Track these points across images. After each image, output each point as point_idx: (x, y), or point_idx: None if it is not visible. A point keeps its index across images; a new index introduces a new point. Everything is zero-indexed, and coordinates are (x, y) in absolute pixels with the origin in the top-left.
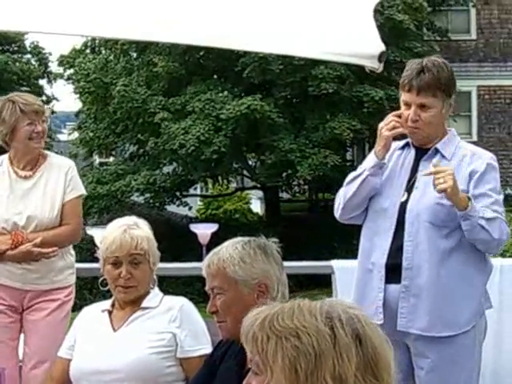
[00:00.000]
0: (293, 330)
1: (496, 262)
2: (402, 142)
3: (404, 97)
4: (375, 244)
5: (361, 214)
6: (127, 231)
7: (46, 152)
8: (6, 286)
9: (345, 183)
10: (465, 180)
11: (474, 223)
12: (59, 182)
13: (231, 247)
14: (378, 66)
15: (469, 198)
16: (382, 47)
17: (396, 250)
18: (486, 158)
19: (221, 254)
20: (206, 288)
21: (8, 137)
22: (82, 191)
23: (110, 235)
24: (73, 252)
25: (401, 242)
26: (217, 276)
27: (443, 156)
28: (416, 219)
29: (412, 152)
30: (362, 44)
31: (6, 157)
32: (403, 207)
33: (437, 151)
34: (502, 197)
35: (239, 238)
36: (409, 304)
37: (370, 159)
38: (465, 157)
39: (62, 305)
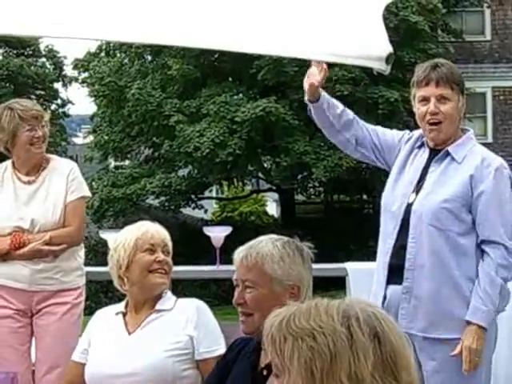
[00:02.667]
0: (309, 331)
1: None
2: (419, 142)
3: (421, 92)
4: (384, 245)
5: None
6: (154, 224)
7: (49, 155)
8: (13, 288)
9: None
10: (468, 183)
11: (493, 312)
12: (61, 184)
13: (271, 244)
14: (385, 68)
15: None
16: (389, 49)
17: (399, 250)
18: (495, 166)
19: (259, 249)
20: (235, 277)
21: (9, 144)
22: (85, 193)
23: (138, 228)
24: (82, 254)
25: (404, 242)
26: (252, 269)
27: (453, 159)
28: (419, 221)
29: (426, 152)
30: (369, 46)
31: (9, 162)
32: (409, 208)
33: (448, 153)
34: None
35: (277, 236)
36: (409, 305)
37: None
38: (474, 163)
39: (72, 308)
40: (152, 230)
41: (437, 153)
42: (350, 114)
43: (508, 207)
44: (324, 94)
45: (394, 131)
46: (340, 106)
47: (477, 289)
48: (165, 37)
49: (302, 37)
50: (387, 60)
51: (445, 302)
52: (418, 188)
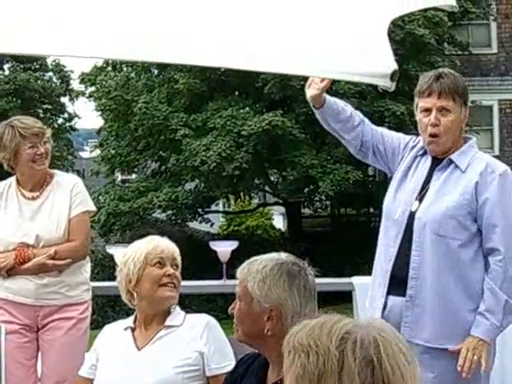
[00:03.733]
0: (305, 348)
1: None
2: (422, 151)
3: (423, 103)
4: (385, 257)
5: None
6: (163, 239)
7: (53, 171)
8: (19, 303)
9: None
10: (473, 190)
11: (501, 327)
12: (65, 200)
13: (263, 263)
14: (390, 85)
15: (478, 338)
16: (394, 66)
17: (402, 258)
18: (499, 172)
19: (251, 266)
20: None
21: (12, 161)
22: (89, 207)
23: (148, 243)
24: (88, 268)
25: (407, 250)
26: (240, 284)
27: (457, 166)
28: (423, 230)
29: (429, 160)
30: (374, 63)
31: (13, 179)
32: (413, 216)
33: (451, 162)
34: None
35: (277, 257)
36: (412, 314)
37: None
38: (479, 168)
39: (78, 323)
40: (161, 245)
41: (439, 161)
42: (357, 118)
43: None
44: (329, 99)
45: (401, 135)
46: (347, 111)
47: (481, 303)
48: (168, 54)
49: (307, 55)
50: (392, 77)
51: (448, 312)
52: (421, 196)
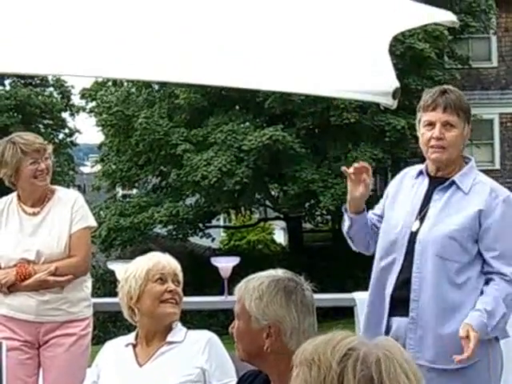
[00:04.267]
0: (309, 362)
1: None
2: (416, 170)
3: (427, 117)
4: (384, 278)
5: (368, 246)
6: (165, 255)
7: (54, 187)
8: (20, 319)
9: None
10: (476, 215)
11: (496, 331)
12: (66, 215)
13: (260, 280)
14: (392, 103)
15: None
16: (396, 84)
17: (404, 281)
18: (503, 198)
19: (248, 284)
20: None
21: (13, 177)
22: (90, 223)
23: (149, 259)
24: (89, 285)
25: (409, 273)
26: (238, 303)
27: (459, 188)
28: (425, 251)
29: (426, 181)
30: (375, 81)
31: (14, 194)
32: (413, 237)
33: (453, 183)
34: None
35: (274, 273)
36: (416, 336)
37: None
38: (483, 194)
39: (79, 339)
40: (163, 261)
41: (437, 181)
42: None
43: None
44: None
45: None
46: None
47: (481, 303)
48: (166, 74)
49: (309, 73)
50: (394, 95)
51: (449, 333)
52: (421, 216)
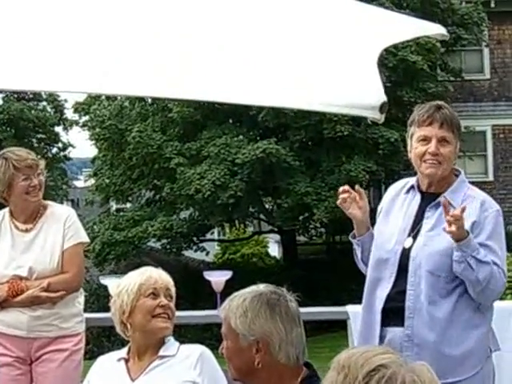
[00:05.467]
0: (340, 367)
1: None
2: (407, 186)
3: (423, 132)
4: (376, 293)
5: None
6: (157, 269)
7: (47, 202)
8: (12, 335)
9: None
10: (469, 228)
11: (463, 258)
12: (58, 231)
13: (243, 297)
14: (379, 117)
15: (468, 233)
16: (383, 98)
17: (397, 294)
18: (493, 210)
19: (231, 302)
20: None
21: (5, 193)
22: (82, 239)
23: (141, 274)
24: (81, 300)
25: (402, 287)
26: (224, 322)
27: (450, 204)
28: (419, 268)
29: (417, 197)
30: (362, 95)
31: (6, 210)
32: (406, 253)
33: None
34: (505, 255)
35: (256, 289)
36: (412, 353)
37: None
38: (474, 207)
39: (72, 355)
40: (155, 275)
41: (429, 196)
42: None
43: (503, 245)
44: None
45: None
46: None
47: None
48: (158, 89)
49: (296, 87)
50: (381, 109)
51: (446, 349)
52: (414, 234)
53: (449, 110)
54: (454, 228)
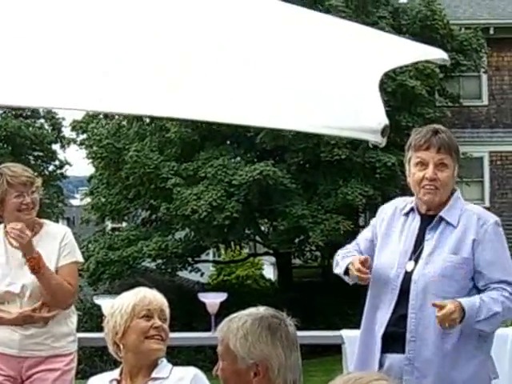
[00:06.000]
0: None
1: (508, 331)
2: (406, 207)
3: (420, 156)
4: (377, 317)
5: None
6: (151, 290)
7: (42, 220)
8: (3, 354)
9: (336, 258)
10: (470, 247)
11: (470, 327)
12: (53, 250)
13: (243, 319)
14: (381, 141)
15: (464, 311)
16: (385, 121)
17: (398, 319)
18: (490, 223)
19: (230, 324)
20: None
21: None
22: (77, 258)
23: (135, 294)
24: (74, 320)
25: (403, 311)
26: (221, 343)
27: (448, 223)
28: (421, 292)
29: (417, 219)
30: (364, 118)
31: (1, 226)
32: (408, 277)
33: (441, 219)
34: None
35: (256, 311)
36: (412, 377)
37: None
38: (471, 222)
39: (63, 375)
40: (149, 296)
41: (429, 218)
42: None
43: (508, 255)
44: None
45: (370, 227)
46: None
47: (477, 296)
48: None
49: (298, 109)
50: (383, 132)
51: (449, 374)
52: (415, 257)
53: (446, 133)
54: (447, 325)
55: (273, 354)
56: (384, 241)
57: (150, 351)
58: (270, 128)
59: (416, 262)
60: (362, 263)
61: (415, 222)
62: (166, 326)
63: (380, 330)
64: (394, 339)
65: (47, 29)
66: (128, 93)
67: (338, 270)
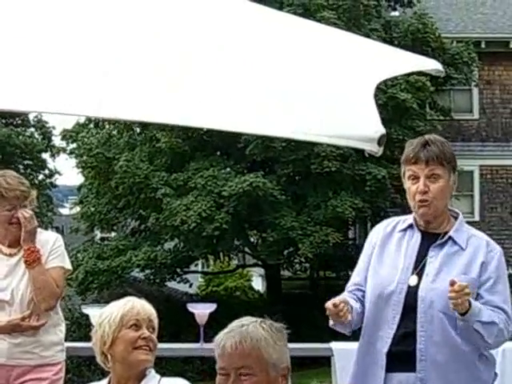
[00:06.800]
0: None
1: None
2: (402, 224)
3: (411, 169)
4: (377, 335)
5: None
6: (140, 300)
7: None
8: None
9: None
10: (478, 269)
11: (468, 325)
12: (44, 255)
13: (259, 327)
14: (377, 150)
15: (469, 304)
16: (381, 130)
17: (402, 336)
18: (498, 251)
19: (252, 333)
20: (223, 366)
21: None
22: (64, 264)
23: (124, 304)
24: (63, 329)
25: (409, 329)
26: (249, 356)
27: (456, 243)
28: (430, 308)
29: (417, 235)
30: (361, 127)
31: None
32: (412, 293)
33: (449, 238)
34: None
35: (253, 319)
36: None
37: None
38: (480, 247)
39: None
40: (138, 306)
41: (431, 236)
42: (360, 308)
43: (508, 286)
44: (353, 312)
45: (365, 257)
46: (358, 310)
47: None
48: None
49: (294, 117)
50: (379, 141)
51: None
52: (418, 271)
53: (437, 144)
54: (459, 301)
55: (288, 355)
56: (378, 258)
57: (138, 362)
58: (266, 136)
59: (419, 277)
60: (335, 305)
61: (415, 238)
62: (154, 336)
63: (384, 346)
64: (399, 358)
65: (45, 30)
66: (124, 98)
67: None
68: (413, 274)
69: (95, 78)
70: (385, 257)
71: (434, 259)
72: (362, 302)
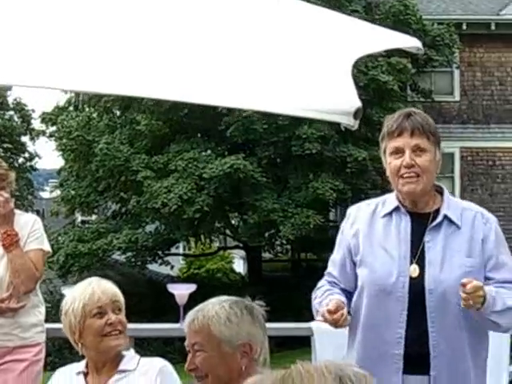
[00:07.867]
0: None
1: None
2: (387, 208)
3: (394, 143)
4: (379, 330)
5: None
6: (100, 282)
7: (14, 210)
8: None
9: (314, 303)
10: (479, 246)
11: (482, 316)
12: (23, 237)
13: (218, 305)
14: (353, 123)
15: (484, 299)
16: (357, 103)
17: (418, 337)
18: (493, 220)
19: (206, 312)
20: (186, 344)
21: None
22: (43, 246)
23: (84, 291)
24: (42, 310)
25: (422, 326)
26: (200, 333)
27: (451, 221)
28: (442, 301)
29: (406, 218)
30: (337, 100)
31: None
32: (417, 285)
33: (444, 218)
34: None
35: (225, 297)
36: None
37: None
38: (475, 221)
39: (31, 365)
40: (98, 292)
41: (421, 217)
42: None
43: (509, 251)
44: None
45: (336, 253)
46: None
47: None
48: (134, 88)
49: (272, 91)
50: (355, 115)
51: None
52: (416, 260)
53: (420, 115)
54: (471, 302)
55: (255, 334)
56: (368, 250)
57: (110, 348)
58: (245, 109)
59: (420, 266)
60: (330, 312)
61: (404, 221)
62: (121, 316)
63: (394, 349)
64: (414, 359)
65: (37, 13)
66: (120, 73)
67: (319, 318)
68: (412, 263)
69: (90, 54)
70: (375, 246)
71: (432, 244)
72: (344, 292)
